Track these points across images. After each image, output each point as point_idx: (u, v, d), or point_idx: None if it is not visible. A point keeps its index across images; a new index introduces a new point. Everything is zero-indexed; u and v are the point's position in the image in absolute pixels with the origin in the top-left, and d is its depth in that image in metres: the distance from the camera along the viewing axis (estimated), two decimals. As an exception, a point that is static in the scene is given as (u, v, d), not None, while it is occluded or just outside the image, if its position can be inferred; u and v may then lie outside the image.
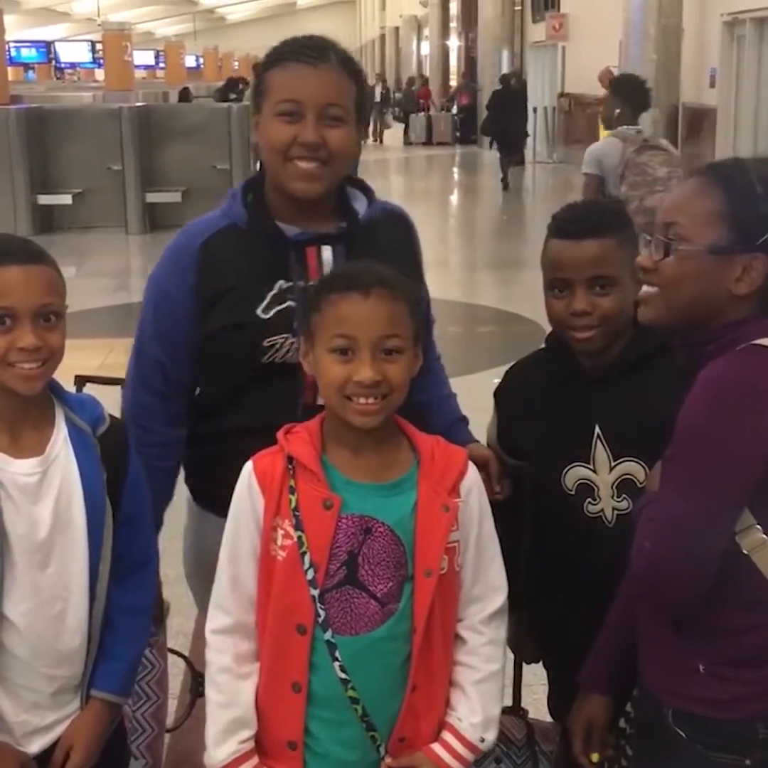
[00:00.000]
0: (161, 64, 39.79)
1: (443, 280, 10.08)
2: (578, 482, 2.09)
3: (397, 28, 48.18)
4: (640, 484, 2.05)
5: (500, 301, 9.38)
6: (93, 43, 34.31)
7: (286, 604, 1.78)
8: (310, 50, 2.05)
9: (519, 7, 26.26)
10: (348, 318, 1.75)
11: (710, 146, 13.89)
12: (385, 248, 2.09)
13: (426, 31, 38.58)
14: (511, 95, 19.73)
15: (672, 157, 6.23)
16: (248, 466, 1.84)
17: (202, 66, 44.29)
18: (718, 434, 1.65)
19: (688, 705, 1.77)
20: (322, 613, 1.76)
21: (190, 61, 40.88)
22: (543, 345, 2.28)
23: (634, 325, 2.11)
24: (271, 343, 2.06)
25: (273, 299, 2.07)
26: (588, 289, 2.04)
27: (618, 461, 2.07)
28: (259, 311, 2.06)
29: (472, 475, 1.88)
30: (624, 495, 2.06)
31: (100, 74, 30.34)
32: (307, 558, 1.75)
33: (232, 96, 18.81)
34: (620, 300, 2.06)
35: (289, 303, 2.07)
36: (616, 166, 6.09)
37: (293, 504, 1.77)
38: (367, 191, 2.20)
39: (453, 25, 34.89)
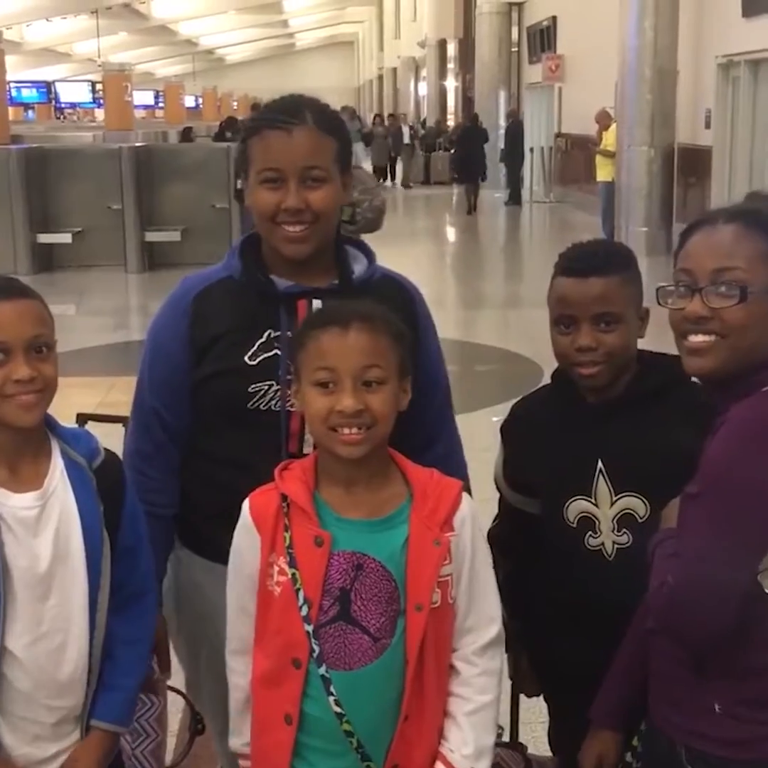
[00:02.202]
0: (161, 104, 40.07)
1: (441, 318, 10.03)
2: (580, 515, 2.11)
3: (394, 69, 48.57)
4: (641, 519, 2.07)
5: (499, 340, 9.41)
6: (93, 84, 34.56)
7: (283, 638, 1.82)
8: (285, 115, 2.07)
9: (516, 49, 26.51)
10: (328, 351, 1.80)
11: (705, 186, 13.99)
12: None
13: (424, 72, 38.91)
14: (477, 132, 22.76)
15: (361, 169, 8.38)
16: (246, 505, 1.89)
17: (201, 106, 44.63)
18: (746, 473, 1.66)
19: (702, 744, 1.77)
20: (316, 648, 1.79)
21: (189, 101, 41.21)
22: (548, 381, 2.30)
23: (638, 361, 2.13)
24: (256, 389, 2.09)
25: (260, 347, 2.10)
26: (593, 326, 2.07)
27: (619, 496, 2.09)
28: (246, 358, 2.09)
29: (466, 507, 1.89)
30: (624, 529, 2.08)
31: (100, 114, 30.56)
32: (300, 594, 1.79)
33: (229, 135, 18.92)
34: (624, 337, 2.08)
35: (275, 351, 2.09)
36: None
37: (287, 542, 1.81)
38: (368, 254, 2.23)
39: (450, 66, 35.18)
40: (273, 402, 2.09)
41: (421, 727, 1.84)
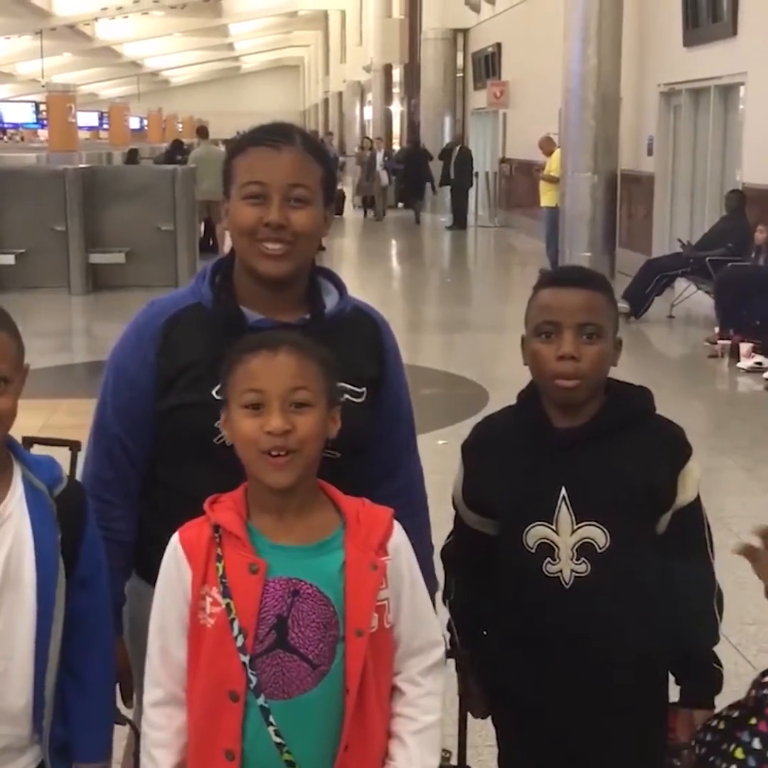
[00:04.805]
0: (105, 125, 39.89)
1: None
2: (539, 541, 2.10)
3: (340, 93, 48.74)
4: (600, 549, 2.07)
5: (445, 364, 9.44)
6: (37, 104, 34.40)
7: (217, 671, 1.77)
8: (274, 134, 2.07)
9: (461, 75, 26.73)
10: (257, 373, 1.80)
11: (648, 212, 14.18)
12: (347, 345, 2.10)
13: (369, 97, 39.08)
14: (418, 153, 24.71)
15: None
16: (175, 538, 1.85)
17: (146, 127, 44.43)
18: None
19: None
20: (253, 679, 1.75)
21: (134, 123, 40.99)
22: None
23: (606, 391, 2.13)
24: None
25: None
26: (576, 335, 2.06)
27: (580, 524, 2.08)
28: (213, 392, 2.05)
29: (399, 535, 1.88)
30: (583, 558, 2.07)
31: (43, 134, 30.34)
32: (235, 624, 1.75)
33: (178, 158, 18.90)
34: (604, 355, 2.08)
35: None
36: None
37: (220, 571, 1.78)
38: (339, 286, 2.21)
39: (396, 90, 35.37)
40: None
41: (363, 757, 1.82)
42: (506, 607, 2.18)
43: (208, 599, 1.78)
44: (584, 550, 2.08)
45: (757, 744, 1.88)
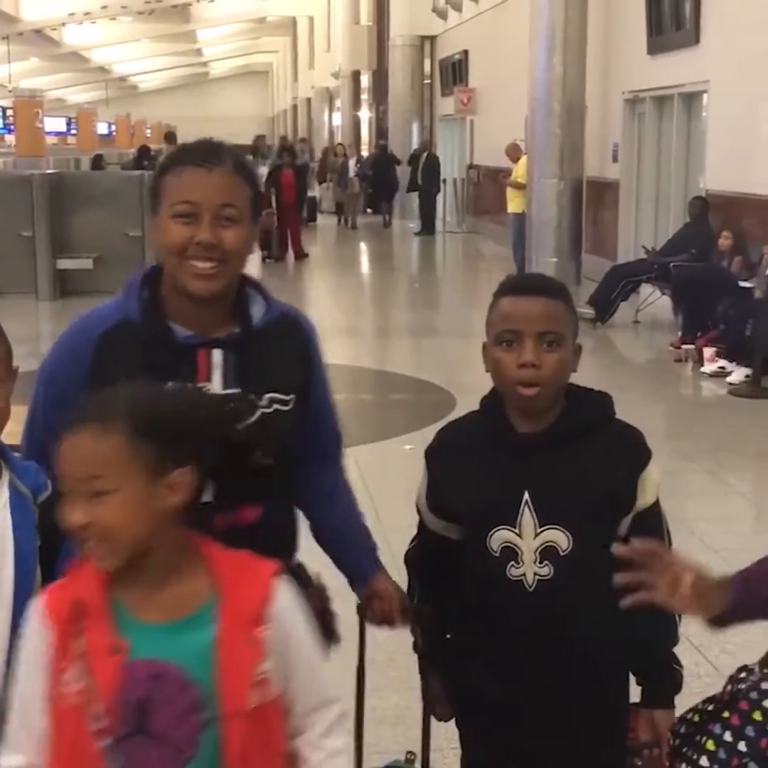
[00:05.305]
0: (73, 131, 39.74)
1: (355, 347, 10.15)
2: (503, 545, 2.12)
3: (309, 99, 48.70)
4: (563, 552, 2.09)
5: (413, 369, 9.47)
6: (4, 109, 34.22)
7: (76, 752, 1.65)
8: (205, 154, 2.09)
9: (428, 81, 26.79)
10: (60, 458, 1.68)
11: (613, 218, 14.28)
12: (276, 355, 2.15)
13: (338, 103, 39.11)
14: (385, 158, 25.02)
15: None
16: (41, 601, 1.73)
17: (114, 133, 44.26)
18: None
19: None
20: (114, 764, 1.64)
21: (102, 128, 40.86)
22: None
23: (566, 397, 2.16)
24: None
25: None
26: (537, 344, 2.08)
27: (543, 528, 2.10)
28: None
29: (281, 597, 1.75)
30: (546, 561, 2.10)
31: (10, 140, 30.20)
32: (94, 707, 1.63)
33: (146, 163, 18.89)
34: (564, 361, 2.10)
35: None
36: None
37: (81, 649, 1.65)
38: (265, 295, 2.22)
39: (364, 97, 35.39)
40: None
41: None
42: (470, 610, 2.20)
43: (68, 675, 1.66)
44: (547, 553, 2.10)
45: (728, 736, 1.93)
